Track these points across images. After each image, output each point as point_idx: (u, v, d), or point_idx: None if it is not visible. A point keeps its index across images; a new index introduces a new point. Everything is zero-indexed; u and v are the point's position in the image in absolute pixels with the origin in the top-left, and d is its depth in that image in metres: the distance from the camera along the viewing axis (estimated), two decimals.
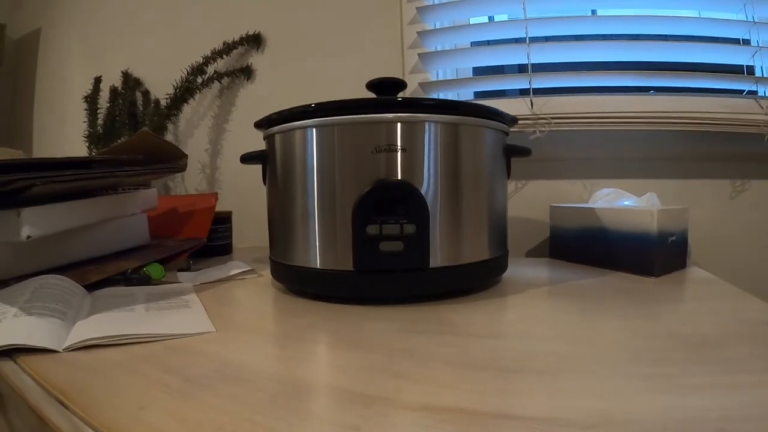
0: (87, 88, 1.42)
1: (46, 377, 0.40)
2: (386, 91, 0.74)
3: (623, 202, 0.94)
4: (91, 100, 1.40)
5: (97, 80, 1.43)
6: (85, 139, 1.37)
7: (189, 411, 0.34)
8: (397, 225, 0.62)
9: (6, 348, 0.45)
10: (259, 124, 0.73)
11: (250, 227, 1.24)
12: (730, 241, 1.05)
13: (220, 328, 0.54)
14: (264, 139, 0.75)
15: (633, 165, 1.08)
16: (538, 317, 0.59)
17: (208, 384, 0.39)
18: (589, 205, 0.94)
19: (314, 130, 0.65)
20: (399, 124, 0.63)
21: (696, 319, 0.55)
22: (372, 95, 0.75)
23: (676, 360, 0.42)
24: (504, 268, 0.76)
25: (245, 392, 0.37)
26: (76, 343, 0.47)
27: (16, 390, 0.40)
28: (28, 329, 0.48)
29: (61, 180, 0.64)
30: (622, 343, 0.47)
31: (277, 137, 0.70)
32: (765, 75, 1.03)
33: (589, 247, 0.89)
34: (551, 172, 1.10)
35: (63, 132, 1.74)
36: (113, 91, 1.41)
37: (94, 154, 1.36)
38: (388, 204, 0.62)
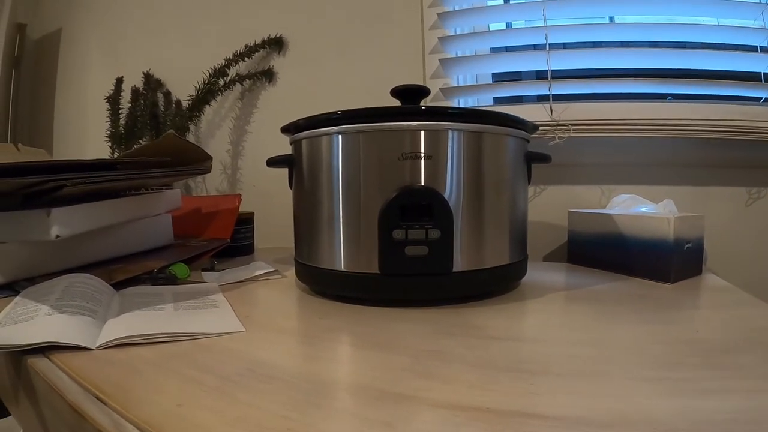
0: (107, 88, 1.43)
1: (82, 374, 0.41)
2: (410, 98, 0.75)
3: (640, 209, 0.94)
4: (113, 100, 1.42)
5: (119, 81, 1.44)
6: (107, 139, 1.39)
7: (226, 408, 0.35)
8: (422, 230, 0.63)
9: (40, 345, 0.46)
10: (286, 129, 0.75)
11: (271, 228, 1.25)
12: (746, 248, 1.05)
13: (248, 328, 0.55)
14: (290, 144, 0.77)
15: (650, 171, 1.08)
16: (557, 321, 0.60)
17: (242, 382, 0.40)
18: (607, 211, 0.95)
19: (340, 136, 0.67)
20: (423, 132, 0.64)
21: (710, 325, 0.56)
22: (396, 102, 0.76)
23: (690, 365, 0.43)
24: (523, 272, 0.77)
25: (279, 390, 0.38)
26: (109, 341, 0.48)
27: (53, 387, 0.41)
28: (62, 327, 0.50)
29: (90, 181, 0.66)
30: (638, 348, 0.48)
31: (304, 142, 0.72)
32: None
33: (606, 253, 0.89)
34: (569, 177, 1.11)
35: (84, 131, 1.77)
36: (135, 91, 1.43)
37: (116, 153, 1.38)
38: (413, 209, 0.63)
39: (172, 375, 0.42)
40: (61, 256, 0.75)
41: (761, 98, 1.03)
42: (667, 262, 0.78)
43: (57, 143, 1.86)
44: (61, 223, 0.69)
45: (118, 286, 0.71)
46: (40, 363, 0.45)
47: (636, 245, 0.83)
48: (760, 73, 1.03)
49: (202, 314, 0.60)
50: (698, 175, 1.06)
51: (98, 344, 0.48)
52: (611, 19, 1.14)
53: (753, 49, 1.05)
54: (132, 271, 0.77)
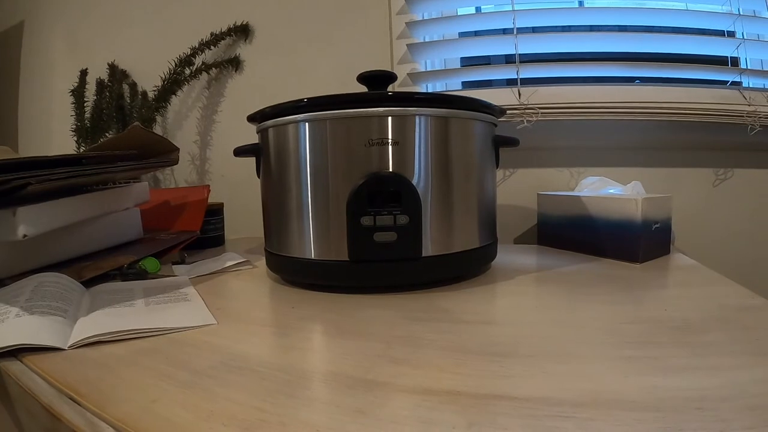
0: (72, 81, 1.41)
1: (56, 375, 0.41)
2: (377, 84, 0.75)
3: (609, 191, 0.96)
4: (78, 93, 1.39)
5: (83, 73, 1.41)
6: (73, 133, 1.37)
7: (199, 402, 0.35)
8: (390, 216, 0.63)
9: (12, 348, 0.46)
10: (253, 118, 0.74)
11: (241, 218, 1.24)
12: (713, 227, 1.08)
13: (220, 320, 0.55)
14: (257, 133, 0.76)
15: (619, 154, 1.10)
16: (527, 303, 0.61)
17: (215, 375, 0.40)
18: (576, 193, 0.96)
19: (307, 124, 0.66)
20: (390, 118, 0.64)
21: (678, 304, 0.57)
22: (363, 88, 0.76)
23: (659, 343, 0.44)
24: (493, 255, 0.78)
25: (252, 382, 0.38)
26: (81, 340, 0.48)
27: (27, 389, 0.41)
28: (33, 328, 0.49)
29: (56, 178, 0.65)
30: (608, 328, 0.49)
31: (271, 131, 0.71)
32: (749, 66, 1.05)
33: (575, 234, 0.91)
34: (538, 160, 1.12)
35: (49, 126, 1.74)
36: (100, 83, 1.40)
37: (82, 148, 1.35)
38: (381, 196, 0.64)
39: (145, 371, 0.42)
40: (29, 256, 0.74)
41: (728, 82, 1.05)
42: (636, 242, 0.80)
43: (21, 139, 1.83)
44: (28, 222, 0.68)
45: (88, 283, 0.71)
46: (12, 366, 0.45)
47: (605, 226, 0.85)
48: (727, 57, 1.05)
49: (174, 308, 0.60)
50: (666, 156, 1.08)
51: (70, 344, 0.48)
52: (580, 3, 1.15)
53: (720, 33, 1.07)
54: (102, 267, 0.76)
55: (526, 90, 1.05)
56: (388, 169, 0.64)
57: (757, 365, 0.39)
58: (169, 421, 0.33)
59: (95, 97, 1.39)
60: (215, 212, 1.12)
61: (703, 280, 0.69)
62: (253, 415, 0.33)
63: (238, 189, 1.23)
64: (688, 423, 0.30)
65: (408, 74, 1.13)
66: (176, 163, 0.87)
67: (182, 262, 0.90)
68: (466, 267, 0.73)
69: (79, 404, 0.37)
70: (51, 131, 1.73)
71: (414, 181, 0.64)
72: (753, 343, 0.44)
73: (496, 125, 0.77)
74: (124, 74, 1.48)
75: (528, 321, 0.53)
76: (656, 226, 0.82)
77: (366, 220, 0.63)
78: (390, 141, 0.64)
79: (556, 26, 1.11)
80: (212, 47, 1.32)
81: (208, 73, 1.36)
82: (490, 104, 0.72)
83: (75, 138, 1.36)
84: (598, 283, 0.68)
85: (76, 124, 1.37)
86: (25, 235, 0.67)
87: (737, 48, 1.03)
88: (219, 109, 1.40)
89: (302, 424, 0.32)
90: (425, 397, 0.35)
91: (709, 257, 0.89)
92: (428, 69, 1.21)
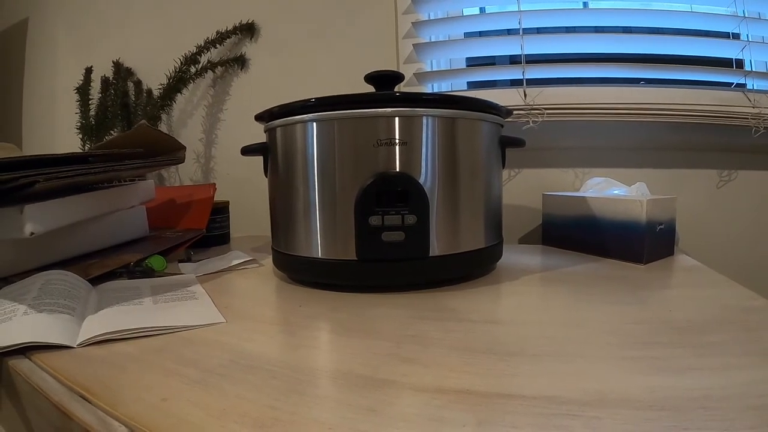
0: (77, 78, 1.40)
1: (65, 374, 0.41)
2: (384, 84, 0.76)
3: (613, 191, 0.96)
4: (83, 91, 1.38)
5: (88, 71, 1.41)
6: (78, 131, 1.37)
7: (211, 400, 0.35)
8: (398, 216, 0.64)
9: (21, 346, 0.46)
10: (260, 117, 0.75)
11: (246, 216, 1.25)
12: (717, 229, 1.08)
13: (229, 319, 0.56)
14: (265, 132, 0.76)
15: (623, 154, 1.10)
16: (533, 303, 0.62)
17: (226, 374, 0.40)
18: (581, 194, 0.96)
19: (314, 124, 0.67)
20: (398, 119, 0.64)
21: (682, 305, 0.57)
22: (370, 87, 0.76)
23: (663, 344, 0.45)
24: (499, 255, 0.78)
25: (262, 380, 0.39)
26: (90, 338, 0.48)
27: (36, 387, 0.41)
28: (41, 326, 0.49)
29: (63, 176, 0.65)
30: (613, 328, 0.50)
31: (278, 130, 0.72)
32: (754, 68, 1.05)
33: (580, 235, 0.91)
34: (543, 160, 1.12)
35: (53, 124, 1.73)
36: (105, 81, 1.40)
37: (87, 145, 1.35)
38: (388, 196, 0.64)
39: (155, 369, 0.42)
40: (36, 254, 0.74)
41: (732, 83, 1.05)
42: (640, 243, 0.80)
43: (26, 137, 1.83)
44: (36, 220, 0.68)
45: (95, 281, 0.71)
46: (21, 364, 0.45)
47: (609, 227, 0.85)
48: (732, 59, 1.05)
49: (182, 306, 0.60)
50: (670, 158, 1.08)
51: (79, 342, 0.48)
52: (585, 4, 1.15)
53: (725, 35, 1.07)
54: (108, 265, 0.76)
55: (532, 90, 1.05)
56: (396, 169, 0.64)
57: (760, 365, 0.39)
58: (181, 419, 0.33)
59: (100, 95, 1.39)
60: (221, 210, 1.13)
61: (706, 282, 0.69)
62: (265, 413, 0.33)
63: (243, 187, 1.24)
64: (692, 422, 0.31)
65: (414, 74, 1.13)
66: (183, 161, 0.87)
67: (188, 260, 0.90)
68: (473, 267, 0.74)
69: (90, 402, 0.37)
70: (55, 129, 1.72)
71: (421, 181, 0.65)
72: (756, 344, 0.44)
73: (502, 126, 0.77)
74: (129, 72, 1.47)
75: (534, 320, 0.53)
76: (661, 227, 0.82)
77: (374, 220, 0.64)
78: (398, 141, 0.64)
79: (561, 27, 1.11)
80: (218, 46, 1.31)
81: (214, 72, 1.36)
82: (497, 105, 0.72)
83: (80, 136, 1.36)
84: (603, 284, 0.69)
85: (80, 122, 1.37)
86: (32, 233, 0.67)
87: (742, 50, 1.03)
88: (224, 107, 1.40)
89: (314, 422, 0.32)
90: (435, 395, 0.35)
91: (712, 258, 0.89)
92: (434, 69, 1.21)
